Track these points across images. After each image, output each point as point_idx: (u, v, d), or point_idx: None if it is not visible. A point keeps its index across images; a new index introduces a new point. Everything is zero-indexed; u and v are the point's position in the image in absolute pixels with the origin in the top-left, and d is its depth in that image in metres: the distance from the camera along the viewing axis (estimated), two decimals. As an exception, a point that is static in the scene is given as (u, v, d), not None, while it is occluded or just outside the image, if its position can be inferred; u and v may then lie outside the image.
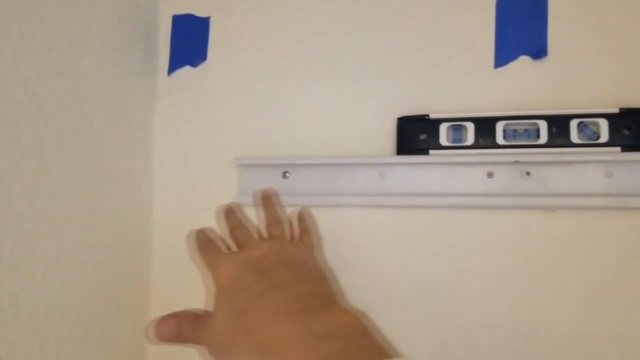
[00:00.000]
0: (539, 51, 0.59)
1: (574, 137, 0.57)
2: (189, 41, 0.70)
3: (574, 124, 0.57)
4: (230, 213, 0.53)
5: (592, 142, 0.57)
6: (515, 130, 0.59)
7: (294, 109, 0.66)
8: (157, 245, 0.68)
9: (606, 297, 0.55)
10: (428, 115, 0.61)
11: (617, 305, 0.55)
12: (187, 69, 0.70)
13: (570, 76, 0.59)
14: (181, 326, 0.41)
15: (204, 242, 0.48)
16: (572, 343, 0.55)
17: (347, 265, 0.62)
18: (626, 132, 0.56)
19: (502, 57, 0.61)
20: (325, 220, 0.62)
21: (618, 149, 0.56)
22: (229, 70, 0.69)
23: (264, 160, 0.65)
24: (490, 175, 0.59)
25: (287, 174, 0.64)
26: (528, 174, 0.58)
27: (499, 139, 0.59)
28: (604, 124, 0.57)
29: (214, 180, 0.67)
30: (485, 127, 0.59)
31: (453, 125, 0.61)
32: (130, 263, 0.65)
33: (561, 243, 0.57)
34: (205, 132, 0.68)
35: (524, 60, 0.60)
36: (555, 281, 0.57)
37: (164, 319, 0.42)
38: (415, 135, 0.62)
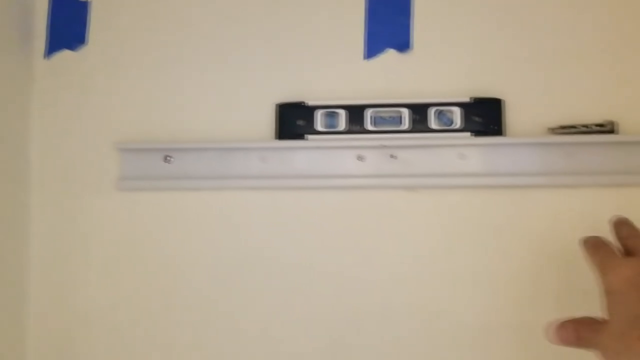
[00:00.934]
0: (403, 45, 0.65)
1: (432, 123, 0.63)
2: (68, 24, 0.69)
3: (432, 111, 0.63)
4: (624, 224, 0.51)
5: (447, 128, 0.63)
6: (382, 117, 0.65)
7: (176, 94, 0.67)
8: (35, 232, 0.67)
9: (459, 268, 0.62)
10: (305, 102, 0.65)
11: (472, 275, 0.62)
12: (67, 52, 0.69)
13: (430, 68, 0.65)
14: (579, 331, 0.42)
15: (596, 243, 0.48)
16: (433, 314, 0.62)
17: (232, 246, 0.65)
18: (477, 119, 0.63)
19: (372, 49, 0.66)
20: (208, 204, 0.64)
21: (469, 134, 0.63)
22: (110, 54, 0.68)
23: (145, 145, 0.65)
24: (360, 158, 0.64)
25: (169, 158, 0.65)
26: (394, 157, 0.64)
27: (368, 125, 0.64)
28: (457, 112, 0.63)
29: (95, 165, 0.67)
30: (356, 114, 0.64)
31: (327, 112, 0.65)
32: (3, 249, 0.63)
33: (422, 219, 0.63)
34: (86, 116, 0.68)
35: (390, 53, 0.65)
36: (418, 254, 0.63)
37: (563, 324, 0.43)
38: (293, 121, 0.65)
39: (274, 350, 0.63)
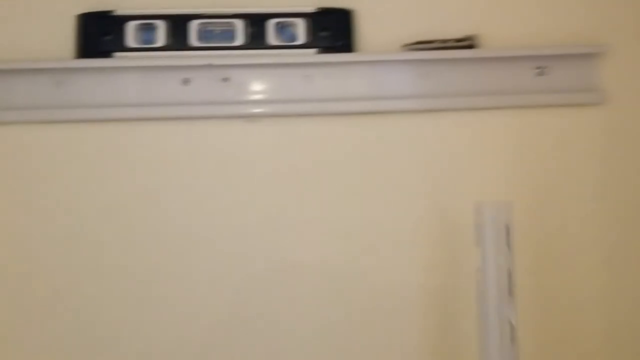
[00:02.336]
0: (234, -57, 0.53)
1: (272, 38, 0.53)
2: None
3: (271, 24, 0.53)
4: None
5: (289, 43, 0.53)
6: (210, 31, 0.53)
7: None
8: None
9: (311, 216, 0.53)
10: (113, 12, 0.52)
11: (320, 223, 0.53)
12: None
13: (268, -28, 0.54)
14: None
15: None
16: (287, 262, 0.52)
17: (23, 183, 0.51)
18: (323, 33, 0.53)
19: (197, -53, 0.53)
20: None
21: (315, 50, 0.53)
22: None
23: None
24: (186, 82, 0.52)
25: None
26: (226, 79, 0.52)
27: (193, 40, 0.52)
28: (301, 25, 0.53)
29: None
30: (178, 26, 0.52)
31: (141, 23, 0.52)
32: None
33: (262, 151, 0.53)
34: None
35: (222, -48, 0.53)
36: (263, 200, 0.52)
37: None
38: (98, 35, 0.52)
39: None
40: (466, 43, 0.54)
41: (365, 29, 0.54)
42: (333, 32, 0.53)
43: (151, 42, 0.52)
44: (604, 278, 0.54)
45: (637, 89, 0.55)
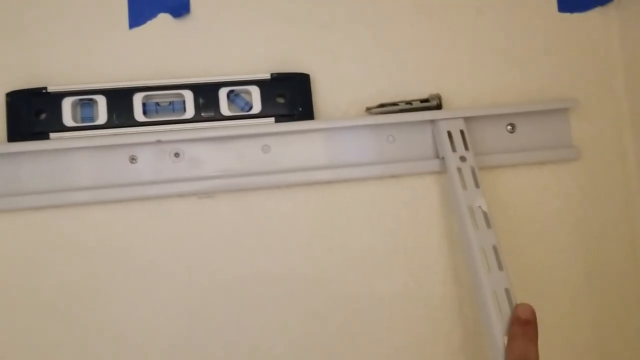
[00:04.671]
0: (179, 7, 0.50)
1: (225, 108, 0.49)
2: None
3: (223, 93, 0.49)
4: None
5: (244, 113, 0.49)
6: (158, 104, 0.49)
7: None
8: None
9: (262, 281, 0.48)
10: (46, 88, 0.47)
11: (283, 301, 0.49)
12: None
13: (217, 37, 0.50)
14: None
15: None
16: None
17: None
18: (280, 100, 0.50)
19: (137, 15, 0.49)
20: None
21: (272, 119, 0.49)
22: None
23: None
24: (133, 160, 0.48)
25: None
26: (177, 155, 0.48)
27: (138, 115, 0.48)
28: (256, 92, 0.49)
29: None
30: (120, 100, 0.48)
31: (79, 99, 0.48)
32: None
33: (221, 229, 0.49)
34: None
35: (163, 18, 0.50)
36: (214, 269, 0.48)
37: None
38: (31, 114, 0.47)
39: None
40: (432, 103, 0.51)
41: (324, 93, 0.51)
42: (290, 99, 0.50)
43: (91, 119, 0.48)
44: (584, 335, 0.51)
45: (610, 142, 0.53)
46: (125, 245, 0.48)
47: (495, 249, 0.44)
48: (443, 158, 0.48)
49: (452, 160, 0.47)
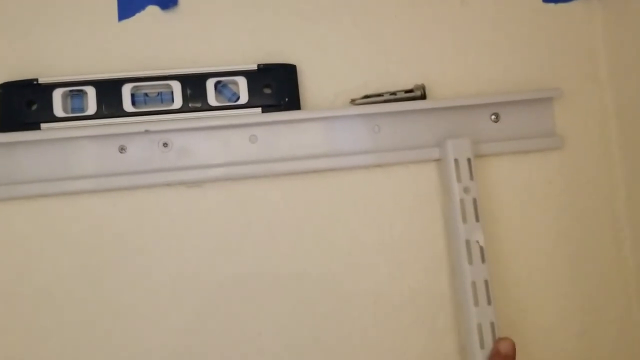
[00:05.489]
0: (167, 0, 0.50)
1: (212, 99, 0.50)
2: None
3: (210, 84, 0.50)
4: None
5: (232, 104, 0.50)
6: (146, 95, 0.50)
7: None
8: None
9: (250, 269, 0.49)
10: (37, 80, 0.48)
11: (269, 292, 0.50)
12: None
13: (205, 29, 0.51)
14: None
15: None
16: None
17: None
18: (267, 90, 0.51)
19: (127, 7, 0.50)
20: None
21: (259, 110, 0.50)
22: None
23: None
24: (122, 149, 0.49)
25: None
26: (166, 145, 0.49)
27: (127, 106, 0.49)
28: (243, 83, 0.50)
29: None
30: (109, 91, 0.49)
31: (69, 90, 0.49)
32: None
33: (210, 218, 0.49)
34: None
35: (152, 11, 0.51)
36: (202, 257, 0.49)
37: None
38: (23, 106, 0.48)
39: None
40: (417, 94, 0.51)
41: (311, 84, 0.51)
42: (277, 89, 0.50)
43: (81, 110, 0.49)
44: (570, 324, 0.52)
45: (594, 131, 0.53)
46: (116, 232, 0.49)
47: (486, 283, 0.46)
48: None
49: (456, 191, 0.47)
